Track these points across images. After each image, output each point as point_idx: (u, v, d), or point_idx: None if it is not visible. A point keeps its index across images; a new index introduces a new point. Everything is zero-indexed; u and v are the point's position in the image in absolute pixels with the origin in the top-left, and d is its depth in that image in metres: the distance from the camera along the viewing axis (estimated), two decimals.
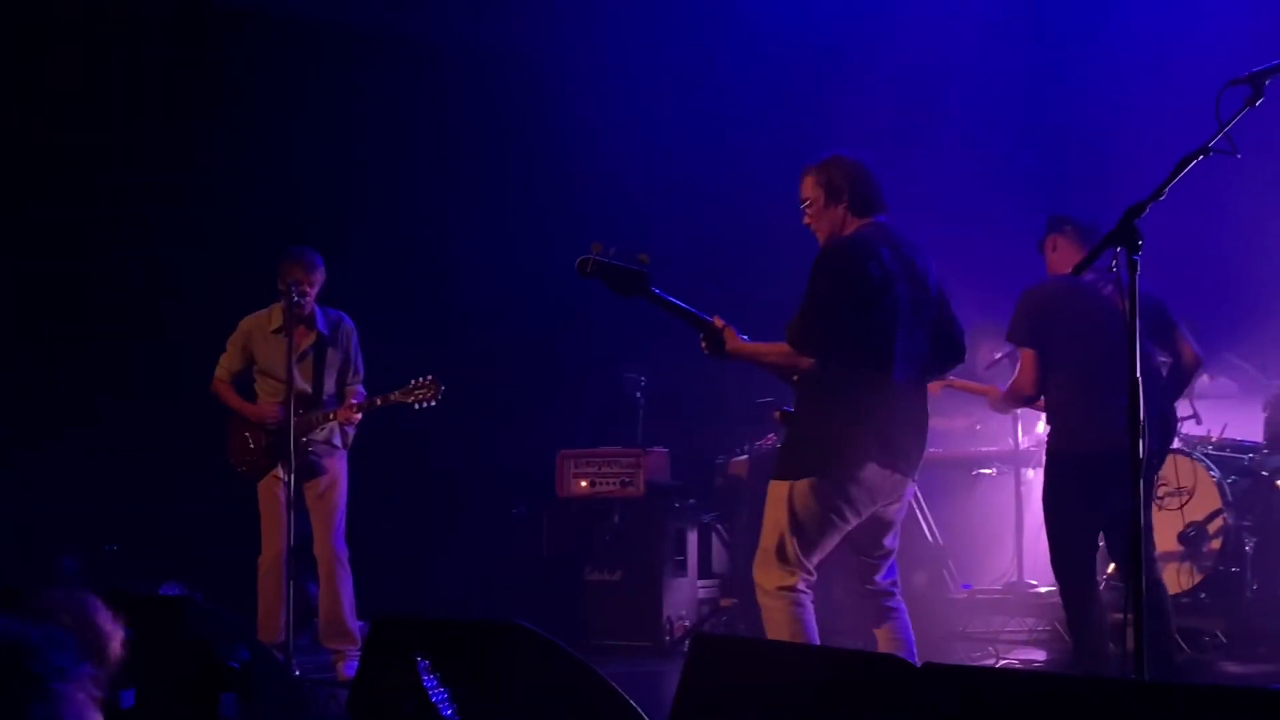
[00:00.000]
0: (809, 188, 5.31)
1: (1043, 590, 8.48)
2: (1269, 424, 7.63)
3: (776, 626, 5.05)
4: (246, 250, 8.99)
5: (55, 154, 9.50)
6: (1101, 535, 6.06)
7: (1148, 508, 3.70)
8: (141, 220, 9.70)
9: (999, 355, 8.10)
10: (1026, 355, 6.08)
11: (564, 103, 10.20)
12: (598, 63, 10.50)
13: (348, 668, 7.10)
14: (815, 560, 5.11)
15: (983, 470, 9.15)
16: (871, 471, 5.06)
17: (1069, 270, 6.09)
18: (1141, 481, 3.71)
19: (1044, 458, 6.30)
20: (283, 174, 9.85)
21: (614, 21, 10.27)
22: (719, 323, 5.26)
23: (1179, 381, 6.19)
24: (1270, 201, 8.57)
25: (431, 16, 10.36)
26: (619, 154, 9.96)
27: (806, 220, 5.34)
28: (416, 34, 10.48)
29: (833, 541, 5.15)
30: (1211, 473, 7.38)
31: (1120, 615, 6.86)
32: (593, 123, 10.04)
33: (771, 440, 9.10)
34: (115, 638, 1.44)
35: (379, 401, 7.31)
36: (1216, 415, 8.08)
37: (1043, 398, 6.17)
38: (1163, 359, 6.10)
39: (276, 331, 7.33)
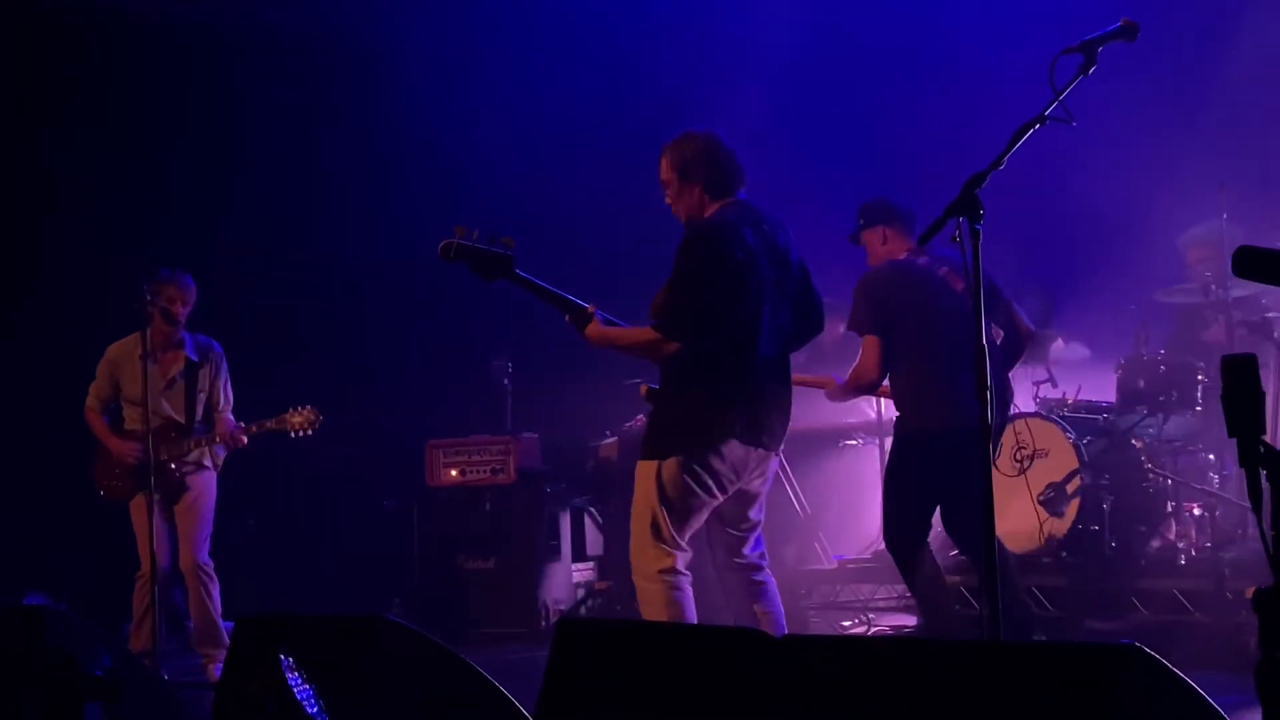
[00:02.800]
0: (665, 170, 5.34)
1: None
2: (1121, 384, 7.81)
3: (654, 609, 5.08)
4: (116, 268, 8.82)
5: None
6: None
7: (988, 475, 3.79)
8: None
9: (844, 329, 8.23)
10: (870, 342, 6.12)
11: (422, 89, 10.15)
12: (450, 49, 10.44)
13: (217, 670, 7.05)
14: (687, 536, 5.16)
15: (847, 441, 9.27)
16: (736, 446, 5.11)
17: (902, 255, 6.25)
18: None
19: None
20: (134, 182, 9.70)
21: (474, 5, 10.26)
22: (589, 310, 5.28)
23: (1012, 355, 6.40)
24: (1106, 168, 8.79)
25: (288, 8, 10.25)
26: (481, 139, 9.93)
27: (667, 201, 5.37)
28: (265, 25, 10.33)
29: (702, 517, 5.20)
30: (1068, 434, 7.55)
31: (956, 578, 7.08)
32: (452, 109, 10.00)
33: (640, 421, 9.14)
34: None
35: (254, 428, 7.32)
36: (1071, 378, 8.26)
37: (886, 383, 6.27)
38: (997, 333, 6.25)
39: (141, 358, 7.22)
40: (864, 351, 6.16)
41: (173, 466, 7.27)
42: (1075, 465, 7.50)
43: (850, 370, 6.28)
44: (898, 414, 6.34)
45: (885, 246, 6.38)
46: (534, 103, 10.34)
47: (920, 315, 6.13)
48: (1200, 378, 7.58)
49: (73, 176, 9.65)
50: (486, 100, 10.19)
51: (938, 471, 6.02)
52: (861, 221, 6.49)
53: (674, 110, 8.98)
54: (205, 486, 7.44)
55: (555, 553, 9.05)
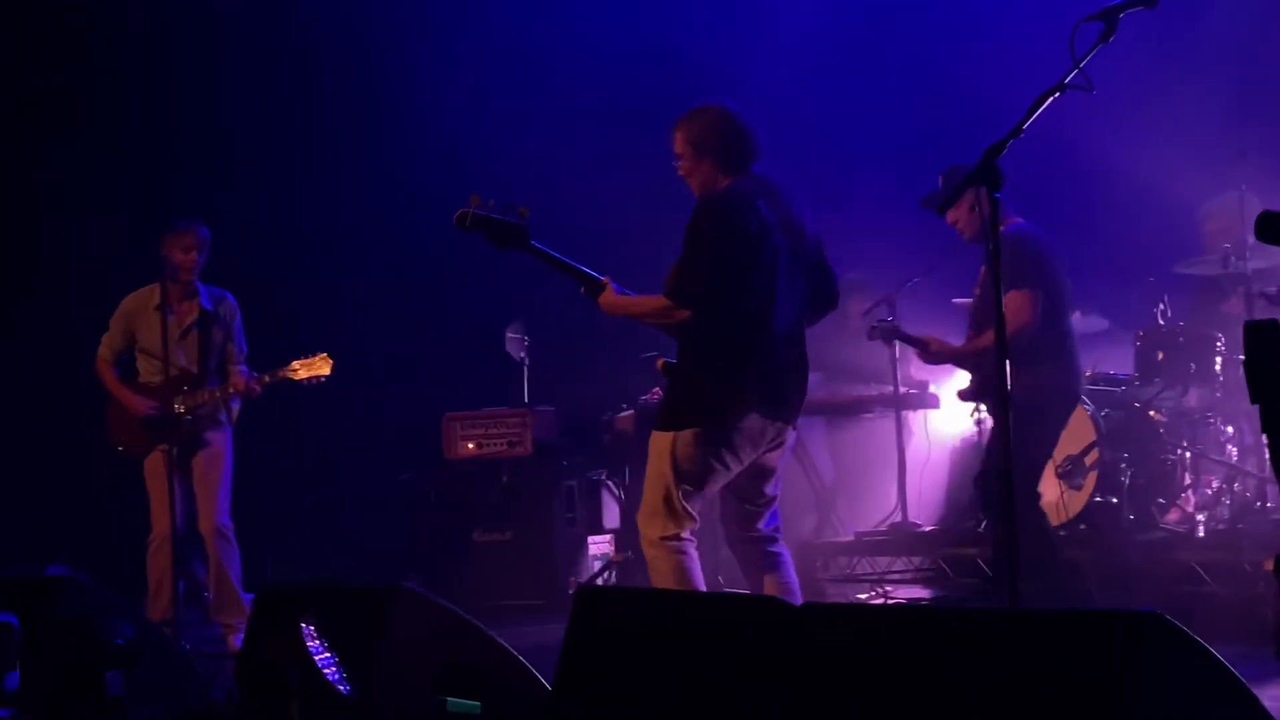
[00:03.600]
0: (679, 144, 5.33)
1: (927, 530, 8.63)
2: (1139, 356, 7.79)
3: (662, 575, 5.10)
4: (133, 220, 8.82)
5: None
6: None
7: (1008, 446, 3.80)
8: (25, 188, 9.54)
9: (869, 306, 8.22)
10: (1034, 297, 6.04)
11: (442, 53, 10.14)
12: (466, 14, 10.42)
13: (237, 640, 7.05)
14: (698, 508, 5.17)
15: (864, 414, 9.26)
16: (752, 420, 5.12)
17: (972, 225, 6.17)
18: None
19: (1030, 393, 5.86)
20: (160, 141, 9.71)
21: None
22: (604, 281, 5.28)
23: None
24: (1123, 138, 8.74)
25: None
26: (498, 108, 9.92)
27: (681, 173, 5.37)
28: None
29: (714, 490, 5.21)
30: (1086, 407, 7.53)
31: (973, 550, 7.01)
32: (469, 75, 9.99)
33: (657, 394, 9.14)
34: None
35: (268, 379, 7.26)
36: (1089, 351, 8.24)
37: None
38: None
39: (157, 309, 7.24)
40: (1027, 305, 6.02)
41: (188, 419, 7.23)
42: (1093, 438, 7.48)
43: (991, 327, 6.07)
44: (1019, 368, 6.06)
45: (974, 213, 6.26)
46: (552, 72, 10.30)
47: (1059, 279, 6.19)
48: (1219, 349, 7.56)
49: (86, 133, 9.66)
50: (504, 68, 10.16)
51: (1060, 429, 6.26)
52: (951, 190, 6.32)
53: (693, 80, 8.97)
54: (223, 444, 7.40)
55: (571, 525, 9.06)
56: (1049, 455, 6.50)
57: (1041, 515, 6.24)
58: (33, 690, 4.22)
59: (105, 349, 7.47)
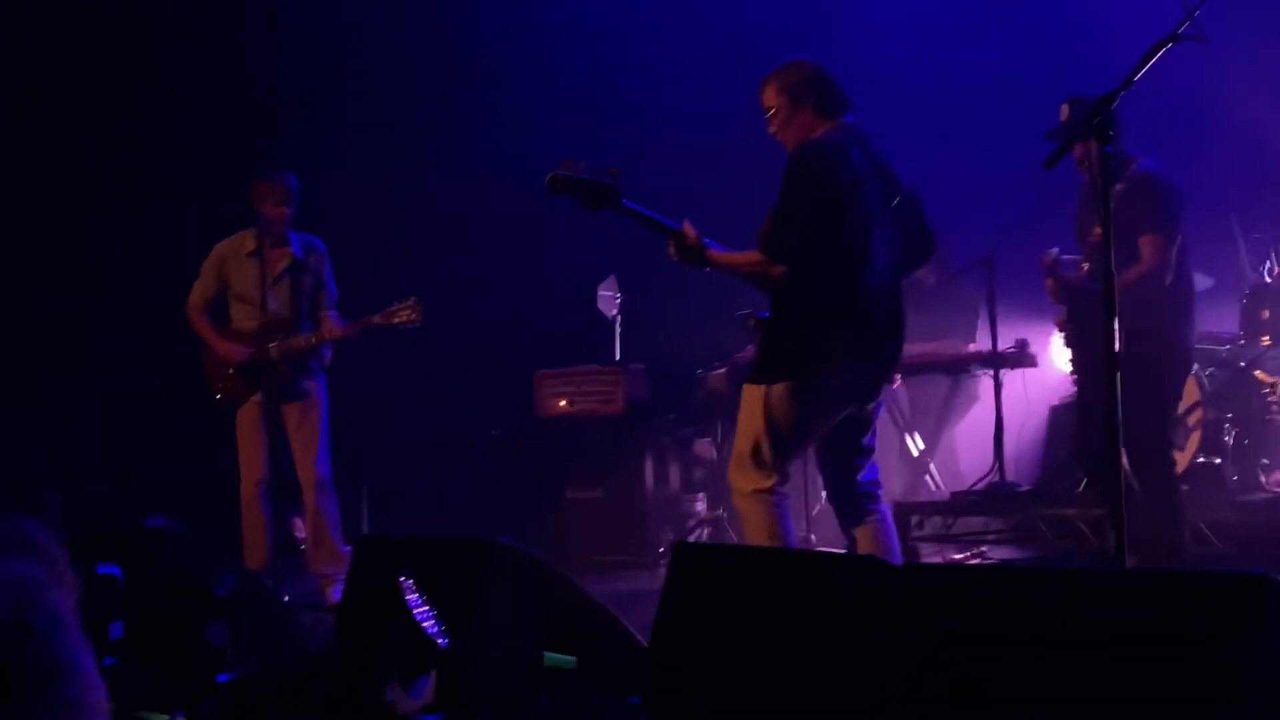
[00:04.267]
0: (770, 96, 5.28)
1: (1024, 490, 8.52)
2: (1245, 315, 7.65)
3: (755, 528, 5.08)
4: (222, 174, 8.90)
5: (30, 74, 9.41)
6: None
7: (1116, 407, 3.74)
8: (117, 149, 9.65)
9: (964, 265, 8.14)
10: (1169, 243, 5.98)
11: (540, 15, 10.14)
12: None
13: (335, 591, 7.09)
14: (790, 463, 5.14)
15: (962, 373, 9.16)
16: (846, 374, 5.07)
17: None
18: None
19: (1147, 343, 5.72)
20: (258, 92, 9.78)
21: None
22: (690, 232, 5.24)
23: None
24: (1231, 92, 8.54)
25: None
26: (592, 66, 9.90)
27: (772, 130, 5.31)
28: None
29: (807, 445, 5.19)
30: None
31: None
32: (565, 36, 9.97)
33: (750, 352, 9.09)
34: (67, 566, 1.43)
35: (359, 327, 7.27)
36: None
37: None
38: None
39: (250, 255, 7.29)
40: (1161, 251, 5.96)
41: (283, 365, 7.25)
42: (1197, 398, 7.37)
43: (1135, 269, 5.94)
44: (1143, 321, 5.91)
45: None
46: (646, 31, 10.25)
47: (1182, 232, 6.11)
48: None
49: (185, 83, 9.76)
50: (601, 26, 10.12)
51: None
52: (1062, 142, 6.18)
53: (785, 29, 8.90)
54: (318, 392, 7.41)
55: (664, 483, 9.06)
56: (1175, 408, 6.43)
57: (1173, 473, 6.17)
58: (136, 640, 4.29)
59: (196, 295, 7.51)
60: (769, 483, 5.09)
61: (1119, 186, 5.77)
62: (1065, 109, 6.22)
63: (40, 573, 1.36)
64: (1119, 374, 3.71)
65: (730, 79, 8.10)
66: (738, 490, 5.15)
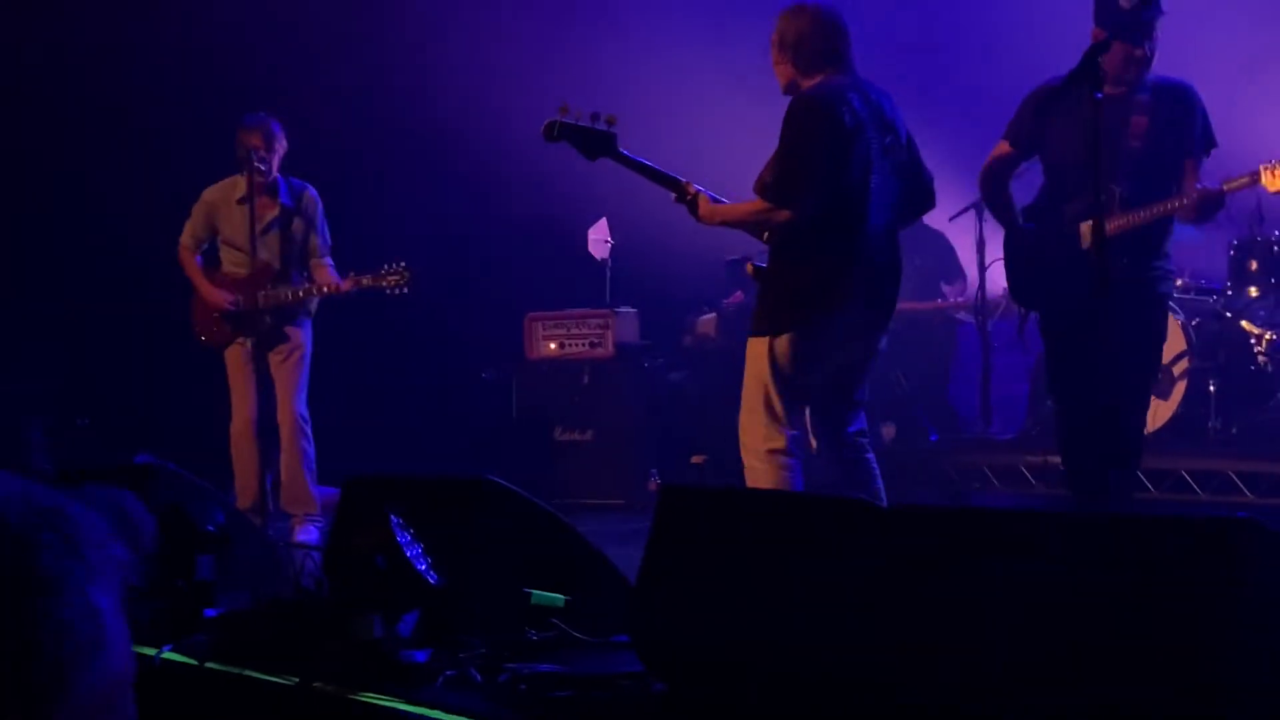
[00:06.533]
0: (774, 35, 5.28)
1: (1009, 438, 8.58)
2: (1233, 266, 7.66)
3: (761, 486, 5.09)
4: (213, 115, 8.85)
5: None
6: None
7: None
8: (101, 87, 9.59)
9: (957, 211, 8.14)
10: (1199, 165, 5.61)
11: None
12: None
13: (303, 532, 7.14)
14: (801, 412, 5.16)
15: (950, 321, 9.19)
16: (850, 314, 5.08)
17: None
18: None
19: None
20: (245, 32, 9.72)
21: None
22: (691, 190, 5.24)
23: None
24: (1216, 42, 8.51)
25: None
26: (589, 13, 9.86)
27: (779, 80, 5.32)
28: None
29: (815, 390, 5.19)
30: (1176, 316, 7.43)
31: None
32: None
33: (740, 297, 9.10)
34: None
35: (349, 285, 7.24)
36: (1180, 259, 8.09)
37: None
38: None
39: (240, 202, 7.25)
40: (1195, 175, 5.59)
41: (268, 318, 7.26)
42: (1183, 347, 7.40)
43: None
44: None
45: (1128, 62, 5.68)
46: None
47: None
48: None
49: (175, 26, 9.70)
50: None
51: None
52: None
53: None
54: (303, 337, 7.40)
55: (652, 426, 9.09)
56: None
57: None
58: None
59: (187, 237, 7.48)
60: (781, 442, 5.09)
61: (1142, 96, 5.41)
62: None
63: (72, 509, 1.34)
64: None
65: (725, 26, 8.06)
66: (751, 448, 5.15)
